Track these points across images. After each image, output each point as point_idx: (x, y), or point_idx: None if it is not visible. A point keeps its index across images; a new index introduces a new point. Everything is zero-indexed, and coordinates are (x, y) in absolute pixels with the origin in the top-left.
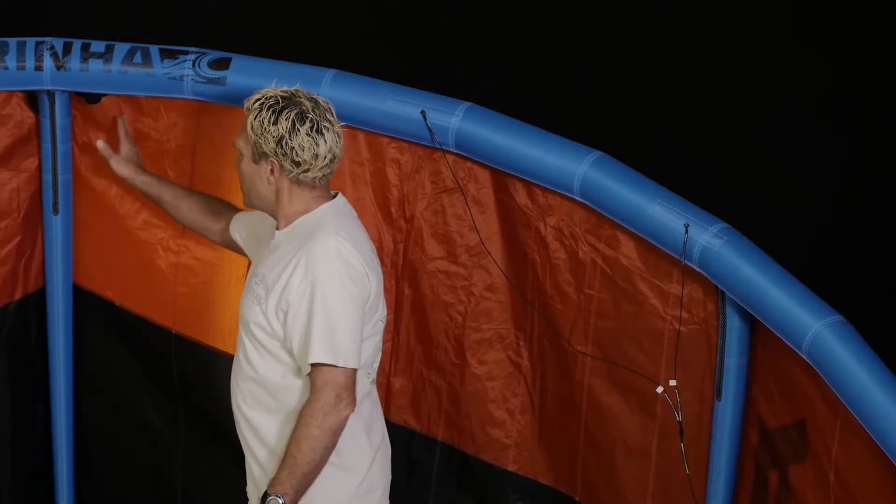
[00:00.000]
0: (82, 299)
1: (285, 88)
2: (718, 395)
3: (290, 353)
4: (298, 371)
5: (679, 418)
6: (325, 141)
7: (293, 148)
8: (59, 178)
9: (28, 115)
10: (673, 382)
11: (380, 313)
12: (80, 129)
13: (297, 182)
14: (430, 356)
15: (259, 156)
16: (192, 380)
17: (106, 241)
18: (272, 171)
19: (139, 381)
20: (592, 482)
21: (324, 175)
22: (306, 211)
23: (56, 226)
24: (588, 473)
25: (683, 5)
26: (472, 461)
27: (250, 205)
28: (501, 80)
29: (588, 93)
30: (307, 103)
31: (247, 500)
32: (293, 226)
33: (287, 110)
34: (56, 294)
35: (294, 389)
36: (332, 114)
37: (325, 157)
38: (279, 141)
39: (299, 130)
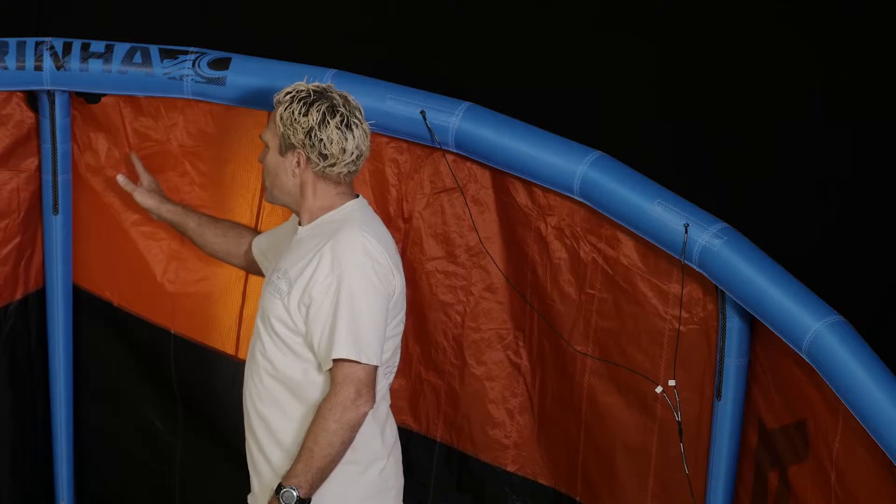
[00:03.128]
0: (82, 299)
1: (317, 84)
2: (718, 395)
3: (312, 348)
4: (320, 367)
5: (679, 418)
6: (354, 137)
7: (322, 140)
8: (59, 178)
9: (28, 115)
10: (672, 382)
11: (401, 315)
12: (80, 129)
13: (322, 176)
14: (429, 356)
15: (286, 147)
16: (191, 380)
17: (105, 242)
18: (298, 163)
19: (139, 381)
20: (592, 482)
21: (349, 172)
22: (331, 207)
23: (56, 226)
24: (588, 473)
25: (684, 5)
26: (471, 461)
27: (273, 200)
28: (501, 80)
29: (588, 93)
30: (338, 98)
31: (246, 499)
32: (317, 222)
33: (318, 103)
34: (56, 294)
35: (316, 385)
36: (360, 112)
37: (351, 153)
38: (308, 132)
39: (329, 123)
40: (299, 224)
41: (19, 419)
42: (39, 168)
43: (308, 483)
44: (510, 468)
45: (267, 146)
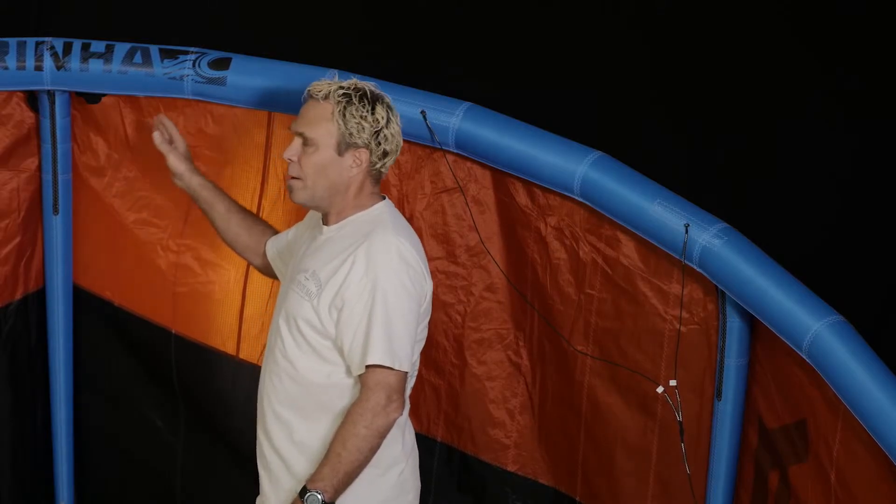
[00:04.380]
0: (82, 299)
1: (349, 80)
2: (718, 395)
3: (341, 352)
4: (347, 371)
5: (679, 418)
6: (401, 132)
7: (386, 137)
8: (59, 178)
9: (28, 115)
10: (673, 382)
11: (428, 319)
12: (80, 129)
13: (372, 174)
14: (430, 356)
15: (346, 146)
16: (192, 380)
17: (105, 241)
18: (358, 161)
19: (139, 381)
20: (592, 482)
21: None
22: (362, 207)
23: (56, 226)
24: (588, 473)
25: (684, 5)
26: (472, 461)
27: (309, 199)
28: (501, 80)
29: (588, 93)
30: (385, 95)
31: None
32: (346, 221)
33: (379, 101)
34: (56, 294)
35: (337, 389)
36: None
37: (399, 148)
38: (377, 132)
39: (391, 120)
40: (324, 224)
41: (19, 419)
42: (39, 168)
43: (333, 487)
44: (510, 468)
45: (312, 144)
